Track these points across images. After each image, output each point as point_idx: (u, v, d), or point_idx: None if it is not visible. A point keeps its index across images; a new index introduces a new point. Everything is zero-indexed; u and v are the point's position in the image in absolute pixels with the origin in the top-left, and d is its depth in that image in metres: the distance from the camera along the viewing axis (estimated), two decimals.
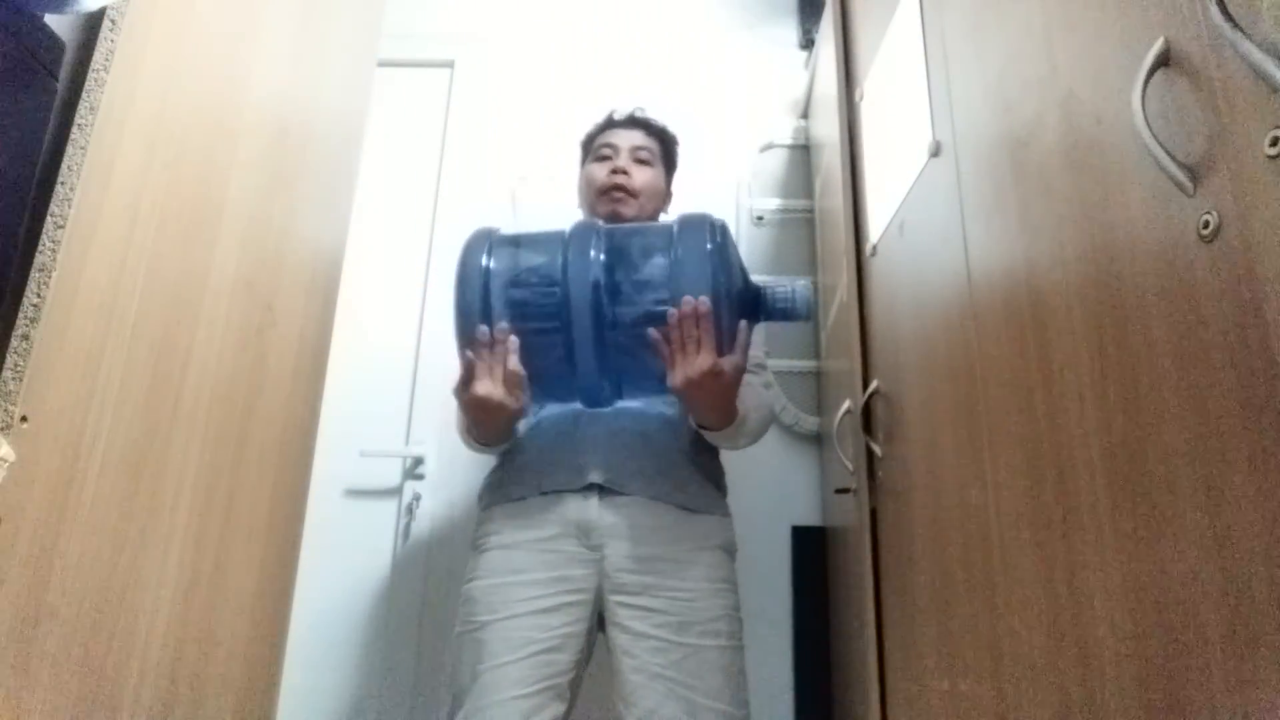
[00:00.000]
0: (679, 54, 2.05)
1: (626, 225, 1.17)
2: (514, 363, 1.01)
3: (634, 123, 1.38)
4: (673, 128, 1.42)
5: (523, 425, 1.21)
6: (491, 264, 1.04)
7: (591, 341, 1.00)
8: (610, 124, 1.39)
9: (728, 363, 1.00)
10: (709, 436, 1.15)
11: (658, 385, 1.09)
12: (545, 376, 1.05)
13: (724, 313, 1.00)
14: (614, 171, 1.30)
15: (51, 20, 0.74)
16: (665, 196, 1.40)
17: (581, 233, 1.06)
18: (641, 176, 1.32)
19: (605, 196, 1.29)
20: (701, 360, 0.98)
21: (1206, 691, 0.44)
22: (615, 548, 1.08)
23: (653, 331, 0.99)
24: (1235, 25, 0.40)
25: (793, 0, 2.06)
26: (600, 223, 1.10)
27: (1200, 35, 0.45)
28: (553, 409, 1.19)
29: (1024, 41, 0.70)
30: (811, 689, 1.54)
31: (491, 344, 1.01)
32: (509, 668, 1.01)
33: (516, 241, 1.08)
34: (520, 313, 1.03)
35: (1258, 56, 0.39)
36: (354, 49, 1.42)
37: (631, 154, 1.33)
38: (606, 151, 1.34)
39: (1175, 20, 0.47)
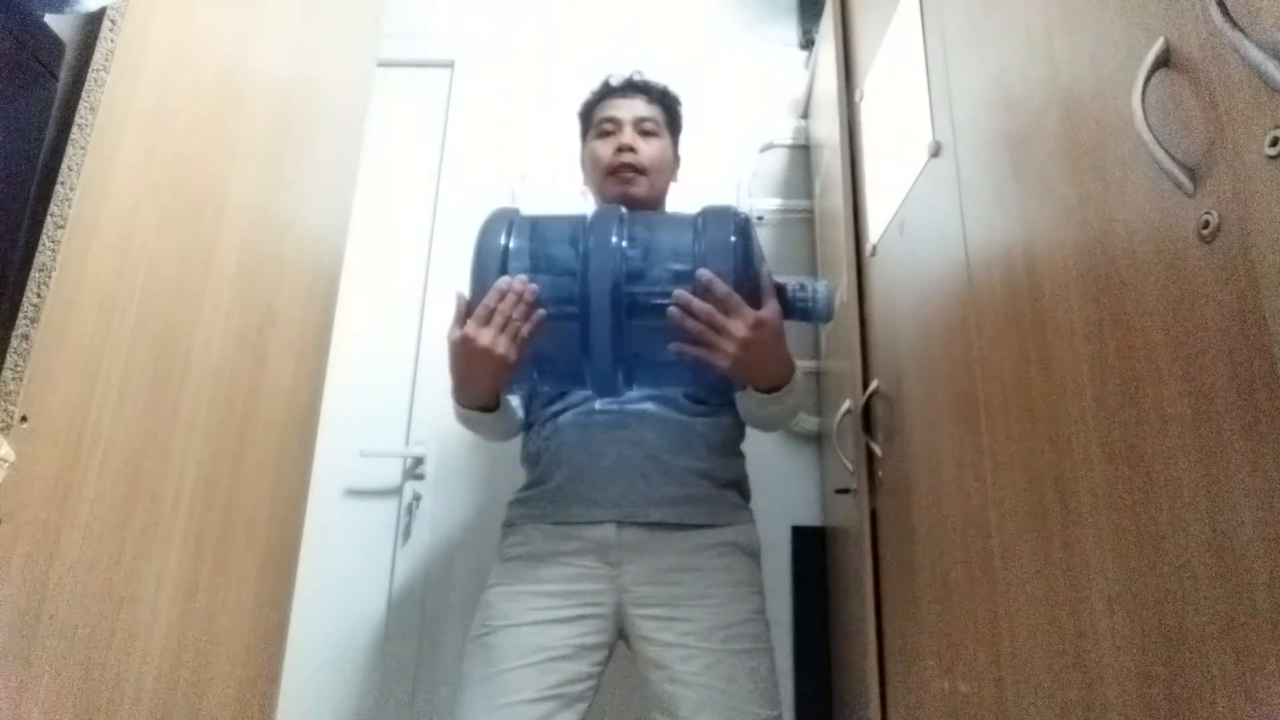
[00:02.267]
0: (679, 54, 2.05)
1: (649, 214, 1.12)
2: (528, 313, 0.95)
3: (633, 89, 1.31)
4: (674, 90, 1.36)
5: (515, 401, 1.18)
6: (511, 244, 1.01)
7: (608, 330, 0.96)
8: (609, 92, 1.31)
9: (767, 311, 0.96)
10: (772, 408, 1.08)
11: (670, 376, 1.07)
12: (558, 363, 1.03)
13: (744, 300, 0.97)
14: (620, 149, 1.24)
15: (51, 20, 0.74)
16: (674, 165, 1.34)
17: (603, 219, 1.03)
18: (649, 150, 1.26)
19: (613, 177, 1.24)
20: (738, 324, 0.93)
21: (1206, 691, 0.44)
22: (633, 563, 1.07)
23: (673, 311, 0.93)
24: (1235, 25, 0.40)
25: (793, 0, 2.06)
26: (623, 209, 1.06)
27: (1200, 35, 0.45)
28: (568, 431, 1.15)
29: (1024, 41, 0.70)
30: (811, 689, 1.54)
31: (506, 296, 0.95)
32: (518, 672, 1.01)
33: (537, 224, 1.05)
34: (537, 297, 0.98)
35: (1258, 56, 0.39)
36: (354, 49, 1.42)
37: (636, 126, 1.27)
38: (609, 126, 1.27)
39: (1175, 20, 0.47)
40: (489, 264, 1.00)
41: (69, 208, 0.71)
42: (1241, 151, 0.41)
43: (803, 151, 1.96)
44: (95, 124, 0.74)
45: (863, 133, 1.32)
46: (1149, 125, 0.47)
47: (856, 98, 1.36)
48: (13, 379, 0.66)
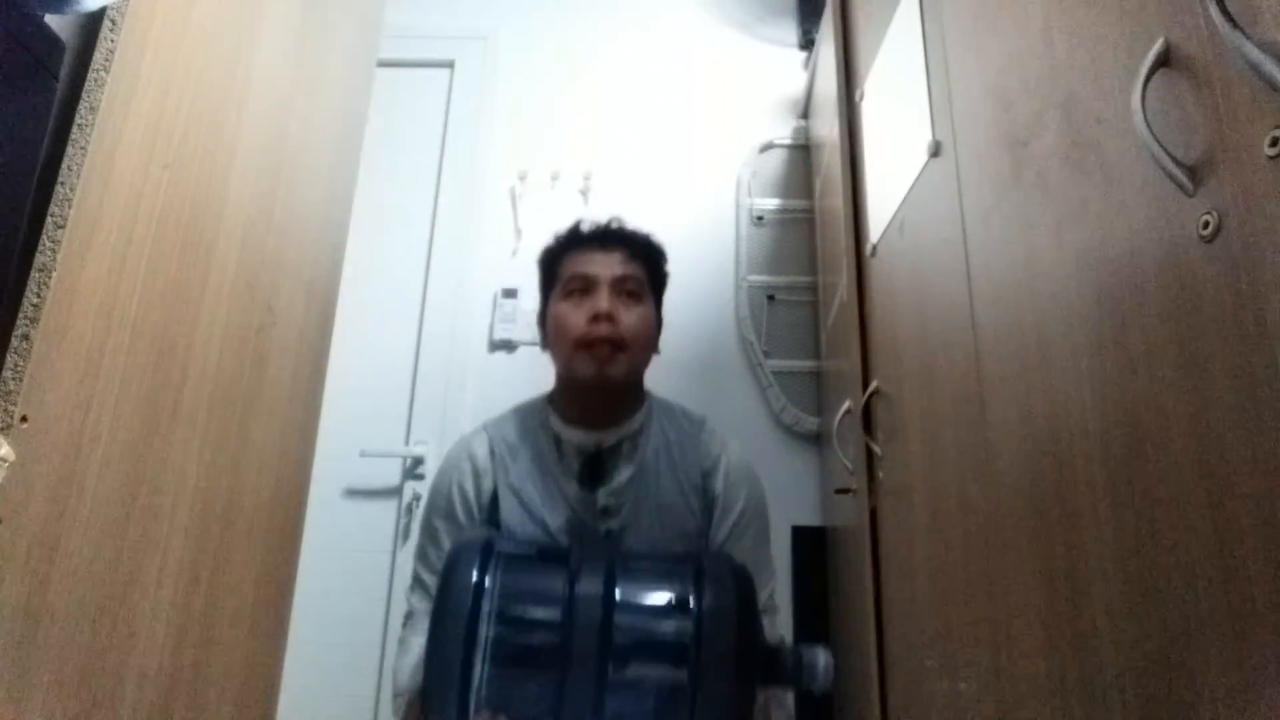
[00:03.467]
0: (679, 54, 2.05)
1: (642, 563, 0.96)
2: None
3: (612, 240, 1.07)
4: (656, 239, 1.11)
5: None
6: (485, 582, 0.89)
7: (591, 692, 0.86)
8: (579, 241, 1.08)
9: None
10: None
11: None
12: (528, 713, 0.90)
13: (739, 678, 0.88)
14: (596, 318, 1.01)
15: (51, 20, 0.74)
16: (657, 337, 1.10)
17: (591, 570, 0.91)
18: (630, 319, 1.02)
19: (586, 353, 1.00)
20: None
21: (1206, 689, 0.44)
22: None
23: None
24: (1235, 25, 0.40)
25: (792, 0, 2.07)
26: (610, 549, 0.94)
27: (1200, 35, 0.45)
28: None
29: (1024, 41, 0.70)
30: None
31: None
32: None
33: (513, 561, 0.93)
34: (510, 651, 0.88)
35: (1258, 56, 0.39)
36: (354, 49, 1.42)
37: (614, 288, 1.03)
38: (580, 284, 1.04)
39: (1175, 20, 0.47)
40: (460, 601, 0.87)
41: (69, 208, 0.71)
42: (1241, 151, 0.41)
43: (803, 151, 1.96)
44: (95, 124, 0.74)
45: (863, 133, 1.32)
46: (1149, 125, 0.47)
47: (856, 98, 1.36)
48: (13, 379, 0.66)
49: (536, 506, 1.03)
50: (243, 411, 1.04)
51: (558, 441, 1.07)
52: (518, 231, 1.93)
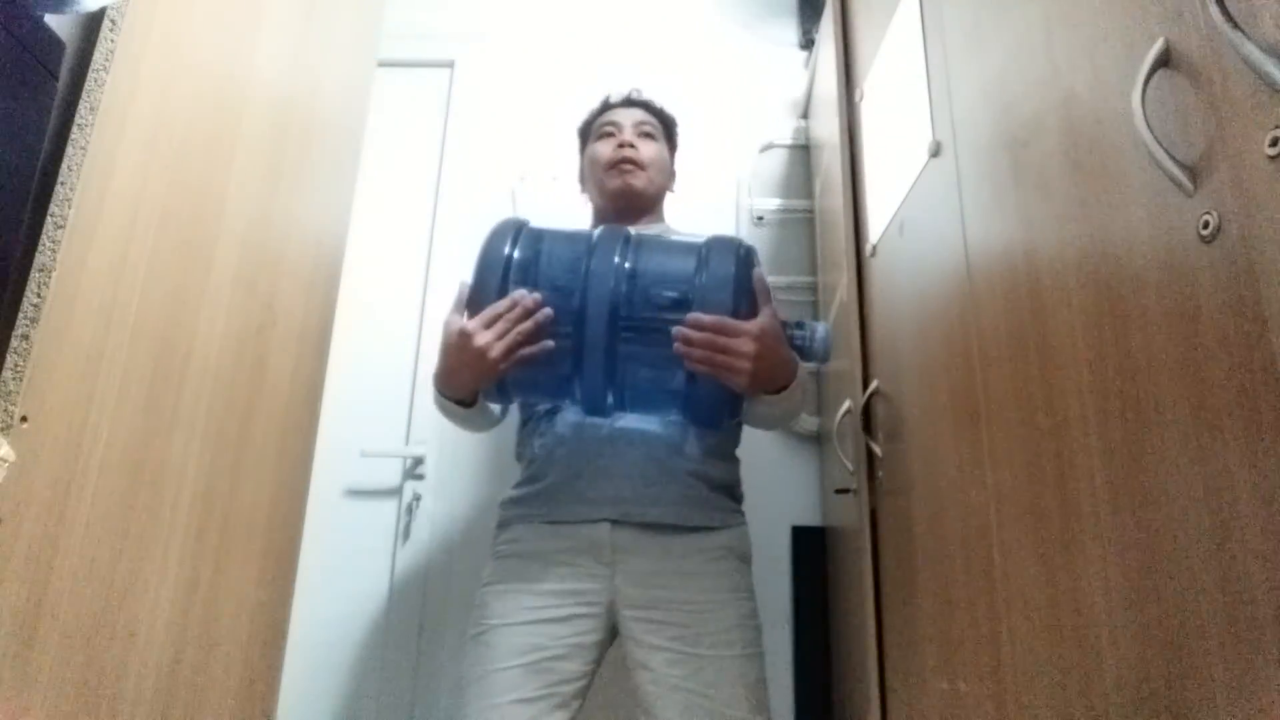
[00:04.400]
0: (679, 54, 2.05)
1: (654, 237, 1.10)
2: (532, 331, 0.96)
3: (632, 103, 1.37)
4: (670, 109, 1.42)
5: (497, 410, 1.19)
6: (515, 254, 1.03)
7: (602, 350, 0.98)
8: (608, 105, 1.38)
9: (763, 318, 0.98)
10: (780, 407, 1.09)
11: (661, 402, 1.07)
12: (549, 377, 1.03)
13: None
14: (621, 145, 1.29)
15: (51, 20, 0.74)
16: (671, 174, 1.39)
17: (607, 239, 1.03)
18: (648, 149, 1.31)
19: (614, 170, 1.28)
20: (744, 341, 0.95)
21: (1206, 691, 0.44)
22: (627, 564, 1.08)
23: (679, 349, 0.94)
24: (1235, 25, 0.40)
25: (793, 0, 2.06)
26: (629, 231, 1.07)
27: (1200, 35, 0.45)
28: (564, 429, 1.15)
29: (1024, 41, 0.70)
30: (811, 689, 1.54)
31: (516, 308, 0.97)
32: (512, 672, 1.01)
33: (543, 237, 1.06)
34: (545, 321, 0.99)
35: (1258, 56, 0.39)
36: (354, 49, 1.42)
37: (635, 129, 1.32)
38: (609, 130, 1.33)
39: (1175, 20, 0.47)
40: (492, 272, 1.01)
41: (69, 208, 0.71)
42: (1241, 151, 0.41)
43: (803, 151, 1.96)
44: (95, 124, 0.74)
45: (863, 133, 1.32)
46: (1149, 125, 0.47)
47: (856, 98, 1.36)
48: (13, 379, 0.66)
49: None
50: (243, 411, 1.04)
51: None
52: None
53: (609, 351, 0.98)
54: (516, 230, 1.06)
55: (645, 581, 1.07)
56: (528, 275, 1.01)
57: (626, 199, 1.28)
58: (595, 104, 1.40)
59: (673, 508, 1.10)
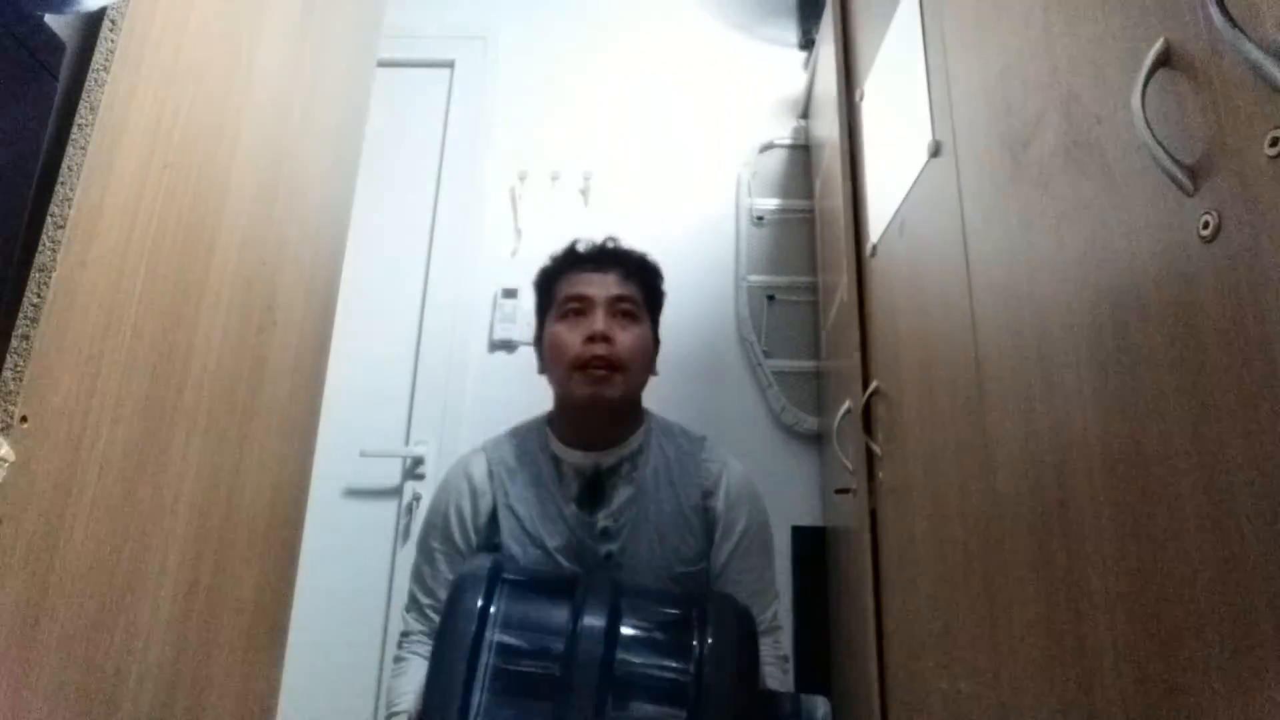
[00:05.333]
0: (679, 54, 2.05)
1: (647, 599, 0.96)
2: None
3: (608, 260, 1.08)
4: (652, 259, 1.13)
5: None
6: (490, 609, 0.89)
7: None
8: (575, 261, 1.09)
9: None
10: None
11: None
12: None
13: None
14: (592, 338, 1.01)
15: (51, 20, 0.73)
16: (654, 357, 1.10)
17: (594, 602, 0.90)
18: (627, 340, 1.03)
19: (582, 373, 1.01)
20: None
21: (1206, 692, 0.44)
22: None
23: None
24: (1235, 25, 0.40)
25: (793, 0, 2.07)
26: (616, 583, 0.93)
27: (1200, 35, 0.45)
28: None
29: (1024, 41, 0.70)
30: (811, 689, 1.54)
31: None
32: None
33: (518, 588, 0.93)
34: (510, 681, 0.87)
35: (1258, 56, 0.39)
36: (354, 49, 1.42)
37: (610, 308, 1.04)
38: (576, 306, 1.05)
39: (1175, 20, 0.47)
40: (463, 628, 0.87)
41: (69, 208, 0.71)
42: (1241, 151, 0.41)
43: (803, 151, 1.96)
44: (95, 124, 0.74)
45: (863, 133, 1.32)
46: (1149, 125, 0.47)
47: (856, 98, 1.36)
48: (13, 379, 0.66)
49: (535, 527, 1.03)
50: (243, 411, 1.04)
51: (557, 463, 1.06)
52: (518, 232, 1.93)
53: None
54: (486, 579, 0.91)
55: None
56: (498, 646, 0.88)
57: (596, 410, 1.03)
58: (559, 252, 1.12)
59: None
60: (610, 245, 1.10)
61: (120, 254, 0.78)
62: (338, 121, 1.35)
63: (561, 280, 1.08)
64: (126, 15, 0.78)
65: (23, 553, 0.66)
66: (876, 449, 1.15)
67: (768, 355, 1.83)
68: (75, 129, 0.73)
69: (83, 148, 0.73)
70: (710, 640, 0.88)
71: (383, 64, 1.62)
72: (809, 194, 1.90)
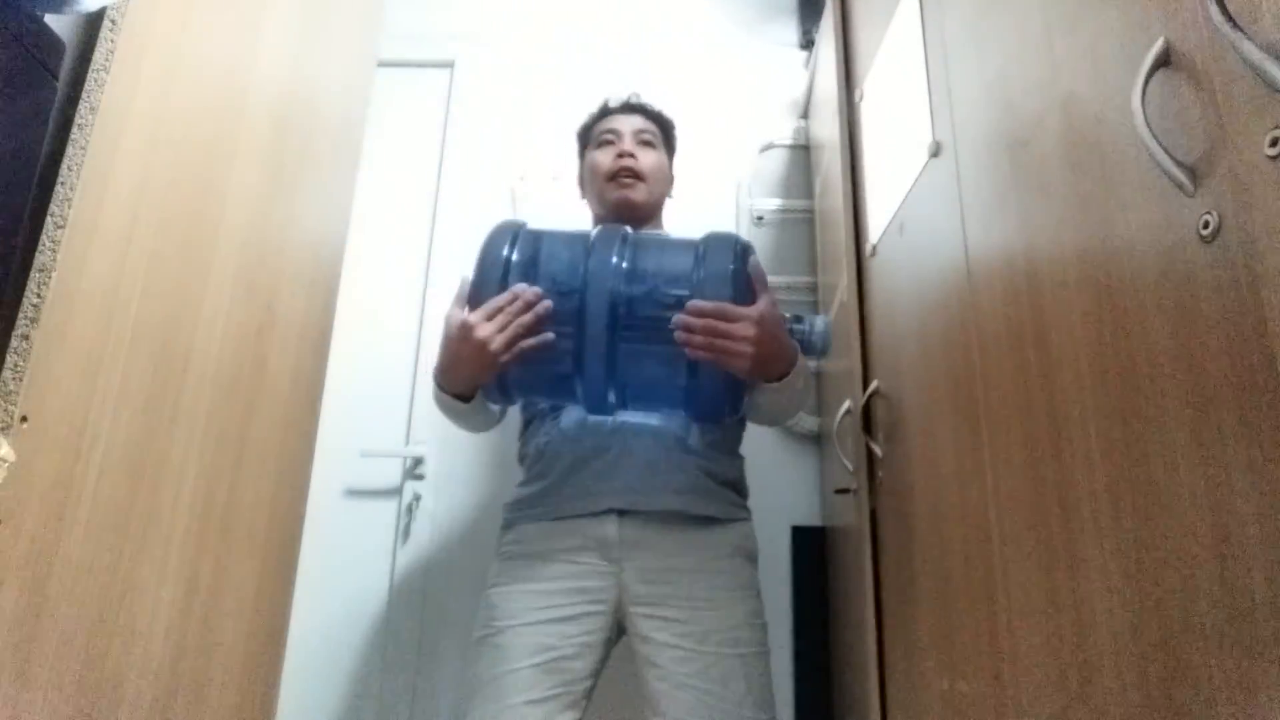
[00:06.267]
0: (679, 54, 2.05)
1: (651, 235, 1.12)
2: (533, 325, 0.98)
3: (632, 108, 1.38)
4: (669, 113, 1.43)
5: (496, 410, 1.20)
6: (514, 256, 1.04)
7: (603, 349, 0.99)
8: (608, 111, 1.39)
9: (762, 304, 1.00)
10: (782, 395, 1.09)
11: (662, 399, 1.08)
12: (550, 376, 1.04)
13: None
14: (620, 155, 1.30)
15: (51, 20, 0.73)
16: (670, 180, 1.40)
17: (606, 239, 1.05)
18: (648, 159, 1.31)
19: (613, 182, 1.28)
20: (744, 325, 0.96)
21: (1206, 692, 0.44)
22: (634, 560, 1.08)
23: (680, 336, 0.96)
24: (1235, 25, 0.40)
25: (793, 0, 2.06)
26: (627, 229, 1.09)
27: (1200, 35, 0.45)
28: (567, 426, 1.16)
29: (1024, 41, 0.70)
30: (811, 689, 1.54)
31: (517, 301, 0.99)
32: (524, 673, 1.01)
33: (541, 238, 1.07)
34: (545, 314, 1.01)
35: (1258, 56, 0.39)
36: (354, 49, 1.42)
37: (635, 137, 1.33)
38: (608, 137, 1.33)
39: (1175, 20, 0.47)
40: (492, 270, 1.03)
41: (69, 208, 0.71)
42: (1241, 151, 0.41)
43: (803, 151, 1.96)
44: (95, 124, 0.74)
45: (863, 133, 1.32)
46: (1149, 125, 0.47)
47: (856, 98, 1.36)
48: (13, 379, 0.66)
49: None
50: (243, 412, 1.04)
51: None
52: None
53: (610, 349, 0.99)
54: (515, 231, 1.07)
55: (653, 578, 1.07)
56: (527, 275, 1.03)
57: (626, 211, 1.28)
58: (594, 108, 1.41)
59: (681, 497, 1.10)
60: (634, 99, 1.40)
61: (120, 254, 0.78)
62: (338, 121, 1.35)
63: (596, 125, 1.38)
64: (126, 15, 0.79)
65: (23, 553, 0.66)
66: (876, 449, 1.15)
67: None
68: (75, 129, 0.73)
69: (83, 148, 0.73)
70: (708, 261, 1.02)
71: (383, 64, 1.62)
72: (809, 194, 1.90)
